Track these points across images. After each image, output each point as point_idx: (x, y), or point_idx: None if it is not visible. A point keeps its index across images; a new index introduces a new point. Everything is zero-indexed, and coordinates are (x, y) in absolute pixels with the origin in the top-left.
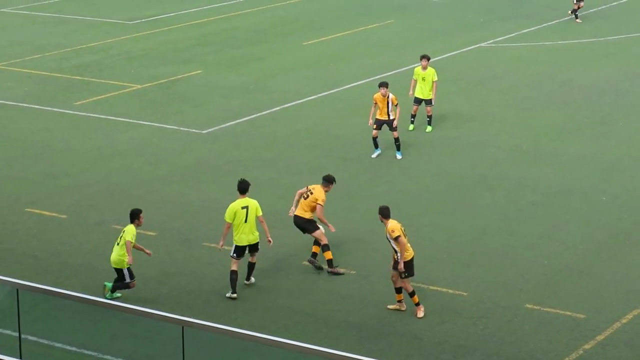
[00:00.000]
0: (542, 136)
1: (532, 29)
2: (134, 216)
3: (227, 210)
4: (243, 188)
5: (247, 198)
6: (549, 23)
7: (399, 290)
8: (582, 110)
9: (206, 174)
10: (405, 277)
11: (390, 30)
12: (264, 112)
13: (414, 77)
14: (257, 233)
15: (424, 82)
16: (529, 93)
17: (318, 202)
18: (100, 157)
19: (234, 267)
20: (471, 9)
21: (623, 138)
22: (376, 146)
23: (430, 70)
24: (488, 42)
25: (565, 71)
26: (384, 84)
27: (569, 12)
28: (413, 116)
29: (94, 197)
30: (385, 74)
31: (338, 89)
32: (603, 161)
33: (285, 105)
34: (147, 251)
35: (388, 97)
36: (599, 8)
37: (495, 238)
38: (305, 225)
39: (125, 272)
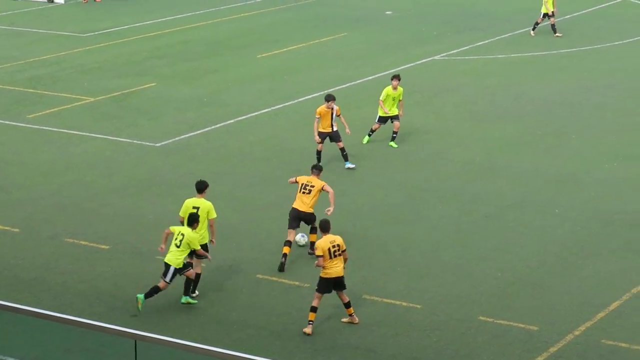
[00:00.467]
0: (496, 149)
1: (486, 42)
2: (194, 220)
3: (183, 205)
4: (199, 188)
5: (202, 199)
6: (503, 36)
7: (347, 305)
8: (535, 123)
9: (160, 187)
10: (316, 290)
11: (344, 42)
12: (218, 125)
13: (382, 98)
14: (202, 235)
15: (394, 101)
16: (483, 106)
17: (325, 187)
18: (53, 170)
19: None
20: (425, 22)
21: (576, 151)
22: (319, 161)
23: (400, 90)
24: (442, 55)
25: (519, 84)
26: (332, 97)
27: (554, 32)
28: (373, 131)
29: (47, 210)
30: (340, 87)
31: (292, 102)
32: (556, 174)
33: (240, 118)
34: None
35: (332, 108)
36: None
37: (449, 250)
38: (311, 217)
39: (171, 270)
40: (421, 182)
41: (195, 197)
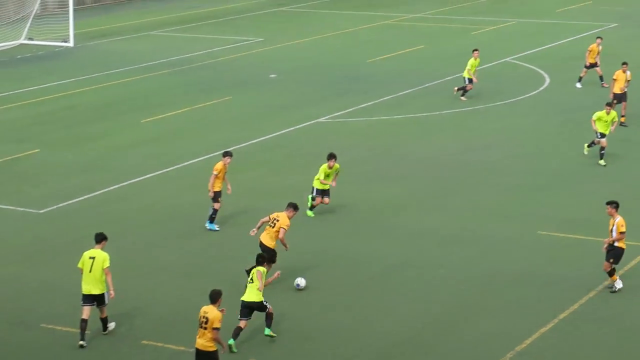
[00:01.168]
0: (381, 210)
1: (369, 103)
2: (268, 259)
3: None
4: (97, 239)
5: (99, 250)
6: (385, 98)
7: None
8: (419, 183)
9: (44, 254)
10: None
11: (229, 106)
12: (102, 191)
13: (320, 176)
14: (101, 286)
15: (327, 178)
16: (367, 167)
17: (282, 226)
18: None
19: (83, 316)
20: (308, 84)
21: (459, 211)
22: (212, 220)
23: (336, 166)
24: (326, 117)
25: (403, 145)
26: (229, 154)
27: (456, 89)
28: (314, 207)
29: None
30: (224, 150)
31: (177, 166)
32: (440, 234)
33: (124, 184)
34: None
35: (226, 165)
36: (434, 82)
37: (333, 313)
38: (270, 254)
39: (265, 302)
40: (305, 245)
41: (93, 248)
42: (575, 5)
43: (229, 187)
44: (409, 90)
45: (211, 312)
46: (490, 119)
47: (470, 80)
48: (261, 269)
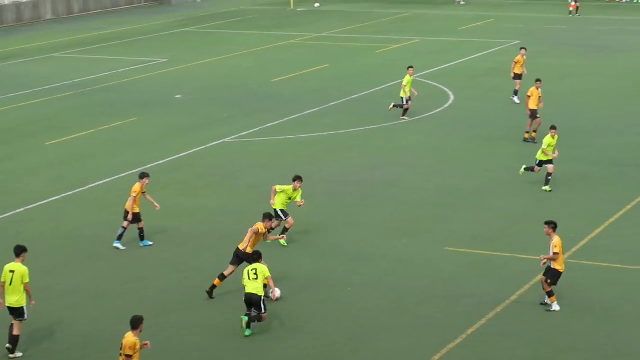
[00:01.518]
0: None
1: (276, 123)
2: (260, 256)
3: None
4: (16, 252)
5: (18, 263)
6: (292, 117)
7: None
8: (326, 202)
9: None
10: None
11: (134, 127)
12: (7, 214)
13: (286, 196)
14: (18, 298)
15: (289, 200)
16: None
17: (252, 228)
18: None
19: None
20: (214, 104)
21: (366, 228)
22: (142, 238)
23: (299, 191)
24: (232, 137)
25: (309, 164)
26: (147, 175)
27: (391, 106)
28: (273, 229)
29: None
30: (131, 172)
31: (83, 188)
32: (348, 252)
33: (29, 207)
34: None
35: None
36: (340, 101)
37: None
38: (247, 256)
39: (262, 299)
40: (217, 266)
41: (13, 261)
42: (478, 23)
43: (156, 204)
44: (315, 109)
45: (126, 338)
46: (395, 136)
47: (409, 99)
48: (263, 269)
